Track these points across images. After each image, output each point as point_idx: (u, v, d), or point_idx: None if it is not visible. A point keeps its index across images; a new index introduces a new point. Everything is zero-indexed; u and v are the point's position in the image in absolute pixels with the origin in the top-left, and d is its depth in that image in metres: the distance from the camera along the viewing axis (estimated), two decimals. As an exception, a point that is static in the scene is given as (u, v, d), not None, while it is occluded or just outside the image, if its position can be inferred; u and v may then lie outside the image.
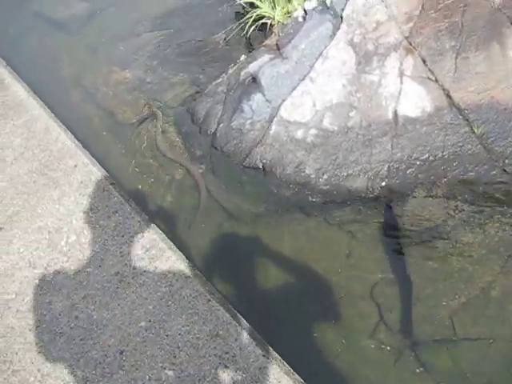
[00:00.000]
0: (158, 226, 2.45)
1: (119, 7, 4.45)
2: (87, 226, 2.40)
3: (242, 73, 3.11)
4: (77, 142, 2.95)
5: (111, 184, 2.59)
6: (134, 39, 3.99)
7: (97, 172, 2.67)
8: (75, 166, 2.70)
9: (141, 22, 4.18)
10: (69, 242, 2.27)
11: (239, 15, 3.76)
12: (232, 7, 3.85)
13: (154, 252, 2.18)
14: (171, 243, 2.33)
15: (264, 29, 3.50)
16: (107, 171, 2.86)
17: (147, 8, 4.33)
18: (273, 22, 3.38)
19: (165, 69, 3.61)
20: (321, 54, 2.99)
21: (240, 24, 3.51)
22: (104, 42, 4.07)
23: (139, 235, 2.32)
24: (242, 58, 3.49)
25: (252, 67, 3.10)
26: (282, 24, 3.28)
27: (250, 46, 3.53)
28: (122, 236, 2.29)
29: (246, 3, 3.43)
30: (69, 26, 4.37)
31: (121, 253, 2.23)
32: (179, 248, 2.38)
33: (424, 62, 2.85)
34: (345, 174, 2.74)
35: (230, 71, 3.24)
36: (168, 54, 3.71)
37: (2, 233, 2.34)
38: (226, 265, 2.50)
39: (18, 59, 4.15)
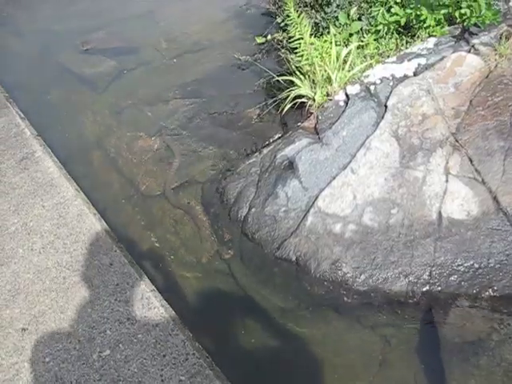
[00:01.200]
0: (203, 347, 2.38)
1: (147, 69, 4.64)
2: (123, 340, 2.33)
3: (278, 155, 3.19)
4: (112, 233, 2.97)
5: (151, 291, 2.57)
6: (161, 105, 4.12)
7: (134, 274, 2.63)
8: (111, 264, 2.70)
9: (170, 87, 4.39)
10: (102, 356, 2.21)
11: (274, 90, 3.88)
12: (267, 81, 3.95)
13: (200, 380, 2.09)
14: (219, 371, 2.25)
15: (300, 108, 3.60)
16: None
17: (177, 73, 4.55)
18: (311, 103, 3.48)
19: (194, 140, 3.71)
20: (363, 143, 3.08)
21: (275, 101, 3.60)
22: (130, 105, 4.21)
23: (183, 357, 2.25)
24: (276, 136, 3.58)
25: (289, 151, 3.19)
26: (322, 106, 3.38)
27: (285, 125, 3.65)
28: (164, 356, 2.23)
29: (283, 80, 3.56)
30: (95, 83, 4.56)
31: (161, 376, 2.16)
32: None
33: (471, 161, 2.93)
34: (384, 275, 2.75)
35: (265, 151, 3.32)
36: (198, 125, 3.83)
37: (26, 335, 2.29)
38: (249, 363, 2.46)
39: (43, 115, 4.30)
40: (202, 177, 3.49)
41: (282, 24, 3.84)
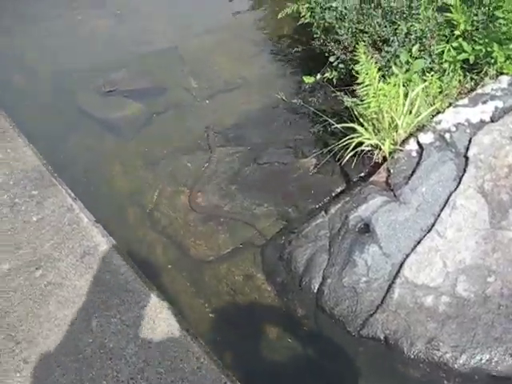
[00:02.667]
0: None
1: (179, 112, 4.62)
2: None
3: (351, 216, 3.10)
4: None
5: (226, 376, 2.48)
6: (201, 154, 4.06)
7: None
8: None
9: (208, 132, 4.32)
10: None
11: (327, 135, 3.83)
12: (322, 127, 3.95)
13: None
14: None
15: (360, 156, 3.56)
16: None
17: (213, 116, 4.53)
18: (376, 152, 3.48)
19: (245, 195, 3.62)
20: (447, 201, 3.01)
21: (331, 149, 3.62)
22: (166, 154, 4.14)
23: None
24: (339, 190, 3.51)
25: (362, 211, 3.10)
26: (392, 157, 3.31)
27: (346, 177, 3.59)
28: None
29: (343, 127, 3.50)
30: (121, 129, 4.51)
31: None
32: None
33: None
34: (487, 355, 2.65)
35: (332, 210, 3.24)
36: (247, 177, 3.75)
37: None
38: None
39: (62, 165, 4.25)
40: (260, 239, 3.39)
41: (336, 63, 3.77)
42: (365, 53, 3.19)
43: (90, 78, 5.18)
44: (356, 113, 3.51)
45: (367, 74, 3.15)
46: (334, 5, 3.57)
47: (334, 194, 3.57)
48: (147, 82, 4.99)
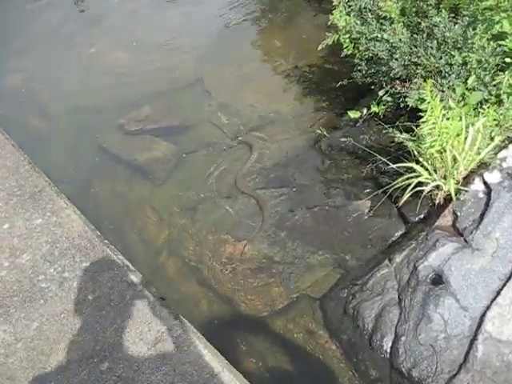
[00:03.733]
0: None
1: (211, 151, 4.67)
2: None
3: (420, 266, 3.05)
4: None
5: None
6: (243, 198, 4.05)
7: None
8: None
9: (245, 173, 4.33)
10: None
11: (378, 174, 3.79)
12: (372, 165, 3.98)
13: None
14: None
15: (415, 195, 3.58)
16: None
17: (249, 155, 4.47)
18: (434, 191, 3.51)
19: (297, 243, 3.59)
20: (525, 247, 2.94)
21: (386, 190, 3.62)
22: (203, 199, 4.13)
23: None
24: (398, 234, 3.46)
25: (433, 260, 3.05)
26: (457, 199, 3.27)
27: (405, 219, 3.53)
28: None
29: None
30: (150, 171, 4.50)
31: None
32: None
33: None
34: None
35: (398, 259, 3.19)
36: (297, 222, 3.71)
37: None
38: None
39: (89, 212, 4.20)
40: (317, 291, 3.35)
41: (386, 97, 3.76)
42: (431, 90, 3.15)
43: (112, 117, 5.20)
44: (412, 150, 3.45)
45: (432, 112, 3.11)
46: (385, 36, 3.54)
47: (393, 239, 3.49)
48: (173, 118, 5.00)
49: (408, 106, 3.75)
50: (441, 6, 3.88)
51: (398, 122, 4.07)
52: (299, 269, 3.50)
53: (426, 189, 3.44)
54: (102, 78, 5.73)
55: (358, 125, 4.40)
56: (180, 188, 4.28)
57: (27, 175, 4.10)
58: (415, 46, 3.56)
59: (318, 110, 4.77)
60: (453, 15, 3.68)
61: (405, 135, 3.72)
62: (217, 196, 4.14)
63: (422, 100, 3.34)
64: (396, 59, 3.52)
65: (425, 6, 3.66)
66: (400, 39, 3.41)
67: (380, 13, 3.73)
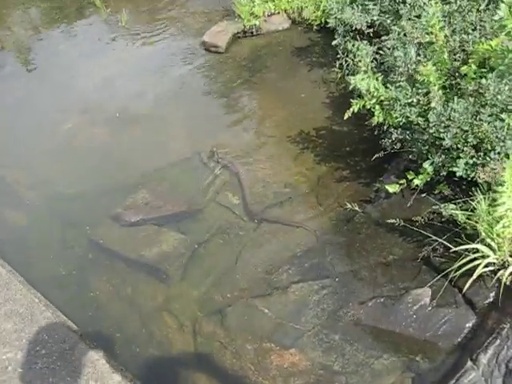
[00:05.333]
0: None
1: (227, 240, 4.41)
2: None
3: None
4: None
5: None
6: (278, 294, 3.91)
7: None
8: None
9: (273, 263, 4.13)
10: None
11: (433, 254, 3.59)
12: (419, 244, 3.86)
13: None
14: None
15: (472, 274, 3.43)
16: None
17: (271, 241, 4.34)
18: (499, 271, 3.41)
19: (356, 347, 3.44)
20: None
21: (447, 274, 3.51)
22: (231, 299, 4.00)
23: None
24: (469, 325, 3.23)
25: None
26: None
27: (472, 306, 3.35)
28: None
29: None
30: (161, 269, 4.22)
31: None
32: None
33: None
34: None
35: (483, 360, 3.02)
36: (351, 321, 3.58)
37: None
38: None
39: (90, 320, 4.01)
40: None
41: (428, 166, 3.62)
42: (504, 168, 2.99)
43: (103, 205, 4.86)
44: (483, 233, 3.26)
45: (509, 196, 2.94)
46: (433, 105, 3.38)
47: (466, 332, 3.25)
48: (176, 203, 4.72)
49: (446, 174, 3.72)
50: (470, 60, 3.75)
51: (436, 191, 3.90)
52: (365, 378, 3.22)
53: (485, 268, 3.38)
54: (84, 158, 5.41)
55: (391, 197, 4.16)
56: (200, 287, 3.96)
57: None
58: (471, 114, 3.38)
59: (338, 180, 4.56)
60: (484, 70, 3.64)
61: (452, 206, 3.52)
62: (246, 294, 3.82)
63: (472, 168, 3.35)
64: (448, 130, 3.32)
65: (465, 67, 3.52)
66: (454, 109, 3.21)
67: (416, 76, 3.53)
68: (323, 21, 6.33)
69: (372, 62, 4.11)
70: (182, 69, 6.54)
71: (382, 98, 3.87)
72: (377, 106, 3.86)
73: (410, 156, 3.94)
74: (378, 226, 4.08)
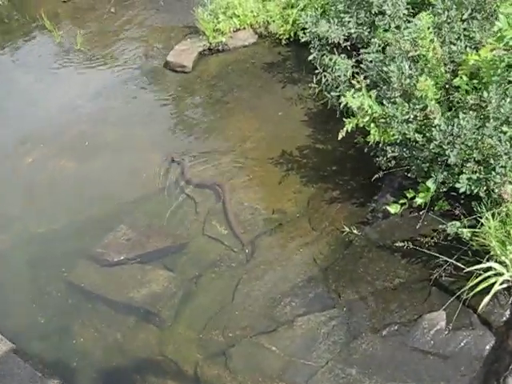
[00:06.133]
0: None
1: (219, 272, 4.28)
2: None
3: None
4: None
5: None
6: (283, 329, 3.80)
7: None
8: None
9: (271, 291, 4.03)
10: None
11: (441, 273, 3.66)
12: (425, 264, 3.86)
13: None
14: None
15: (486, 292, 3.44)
16: None
17: (270, 270, 4.23)
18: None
19: (375, 379, 3.34)
20: None
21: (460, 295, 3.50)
22: (233, 338, 3.82)
23: None
24: (489, 347, 3.25)
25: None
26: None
27: (488, 325, 3.33)
28: None
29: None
30: (152, 311, 4.01)
31: None
32: None
33: None
34: None
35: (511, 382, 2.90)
36: (366, 353, 3.53)
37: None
38: None
39: (73, 373, 3.80)
40: None
41: (432, 184, 3.66)
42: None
43: (79, 244, 4.70)
44: (497, 251, 3.26)
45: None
46: (436, 122, 3.38)
47: (487, 355, 3.23)
48: (160, 237, 4.59)
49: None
50: (459, 72, 3.78)
51: (436, 208, 3.90)
52: None
53: (506, 286, 3.44)
54: (52, 194, 5.23)
55: (388, 216, 4.13)
56: (197, 328, 3.85)
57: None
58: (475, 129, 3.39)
59: (330, 201, 4.53)
60: (476, 81, 3.70)
61: (457, 224, 3.53)
62: (249, 332, 3.72)
63: (476, 184, 3.44)
64: (454, 147, 3.31)
65: (457, 79, 3.53)
66: (461, 125, 3.20)
67: (413, 91, 3.52)
68: (292, 34, 6.29)
69: (353, 76, 4.08)
70: (148, 91, 6.38)
71: (375, 115, 3.79)
72: (372, 124, 3.81)
73: (409, 174, 3.86)
74: (380, 249, 4.03)
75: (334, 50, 5.04)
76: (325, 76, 5.04)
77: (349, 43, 5.15)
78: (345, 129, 3.96)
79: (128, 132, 5.81)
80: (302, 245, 4.33)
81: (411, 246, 3.81)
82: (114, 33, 7.59)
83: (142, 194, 5.08)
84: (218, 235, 4.58)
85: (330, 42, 5.13)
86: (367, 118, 3.93)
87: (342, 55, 4.80)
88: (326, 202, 4.64)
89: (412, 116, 3.72)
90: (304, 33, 5.28)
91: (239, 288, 4.11)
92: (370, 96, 3.84)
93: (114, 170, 5.40)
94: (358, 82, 3.84)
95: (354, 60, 4.80)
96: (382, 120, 3.80)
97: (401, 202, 3.97)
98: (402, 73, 3.77)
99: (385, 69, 3.94)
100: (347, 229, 4.18)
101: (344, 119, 4.03)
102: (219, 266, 4.36)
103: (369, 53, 4.53)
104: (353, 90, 3.95)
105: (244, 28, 6.68)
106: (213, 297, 4.10)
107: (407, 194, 3.96)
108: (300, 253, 4.29)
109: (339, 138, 4.01)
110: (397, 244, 3.90)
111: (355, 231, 4.18)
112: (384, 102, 3.81)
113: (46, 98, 6.60)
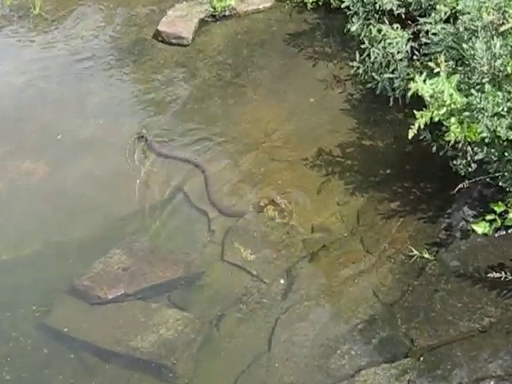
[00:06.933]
0: None
1: (246, 310, 4.26)
2: None
3: None
4: None
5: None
6: None
7: None
8: None
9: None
10: None
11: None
12: None
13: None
14: None
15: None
16: None
17: (314, 306, 4.21)
18: None
19: None
20: None
21: None
22: None
23: None
24: None
25: None
26: None
27: None
28: None
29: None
30: (164, 364, 4.06)
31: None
32: None
33: None
34: None
35: None
36: None
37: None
38: None
39: None
40: None
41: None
42: None
43: (59, 275, 4.65)
44: None
45: None
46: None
47: None
48: (166, 264, 4.55)
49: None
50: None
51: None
52: None
53: None
54: (15, 209, 5.17)
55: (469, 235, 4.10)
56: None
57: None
58: None
59: (386, 216, 4.55)
60: None
61: None
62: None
63: None
64: None
65: None
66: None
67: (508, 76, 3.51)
68: (322, -4, 6.21)
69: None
70: (134, 71, 6.33)
71: (455, 106, 3.77)
72: (452, 119, 3.77)
73: (500, 182, 3.85)
74: (461, 278, 4.06)
75: (384, 18, 5.00)
76: (373, 52, 4.99)
77: (403, 10, 5.10)
78: (416, 125, 3.91)
79: (111, 125, 5.75)
80: (355, 273, 4.31)
81: (502, 275, 3.75)
82: (83, -5, 7.44)
83: (136, 207, 5.03)
84: (242, 261, 4.56)
85: (378, 8, 5.08)
86: (444, 110, 3.88)
87: (395, 25, 4.75)
88: (382, 217, 4.62)
89: (506, 108, 3.67)
90: (344, -5, 5.21)
91: (277, 332, 4.07)
92: (450, 81, 3.78)
93: (96, 174, 5.32)
94: (438, 63, 3.75)
95: (409, 32, 4.75)
96: (467, 113, 3.74)
97: (488, 218, 3.90)
98: (493, 52, 3.71)
99: (465, 46, 3.88)
100: (416, 252, 4.15)
101: (415, 112, 3.96)
102: (246, 302, 4.31)
103: (430, 23, 4.48)
104: (425, 73, 3.88)
105: (257, -13, 6.56)
106: (242, 344, 4.07)
107: (495, 208, 3.90)
108: (354, 284, 4.25)
109: (409, 137, 3.94)
110: (483, 272, 3.88)
111: (426, 255, 4.16)
112: (471, 90, 3.75)
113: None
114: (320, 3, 6.32)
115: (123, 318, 4.29)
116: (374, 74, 4.99)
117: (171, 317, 4.24)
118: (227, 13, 6.54)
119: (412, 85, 3.92)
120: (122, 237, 4.81)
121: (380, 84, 4.90)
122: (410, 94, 4.05)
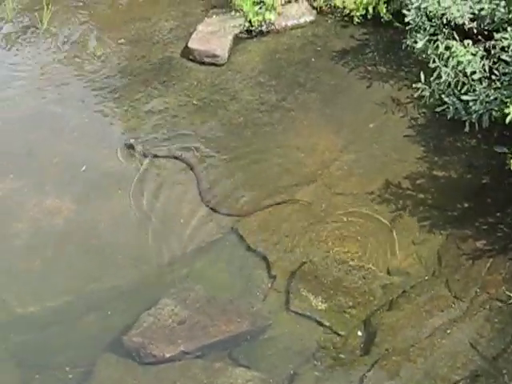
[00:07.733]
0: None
1: (323, 369, 4.16)
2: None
3: None
4: None
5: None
6: None
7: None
8: None
9: None
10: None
11: None
12: None
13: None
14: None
15: None
16: None
17: None
18: None
19: None
20: None
21: None
22: None
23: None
24: None
25: None
26: None
27: None
28: None
29: None
30: None
31: None
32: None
33: None
34: None
35: None
36: None
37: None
38: None
39: None
40: None
41: None
42: None
43: (97, 330, 4.58)
44: None
45: None
46: None
47: None
48: (226, 316, 4.45)
49: None
50: None
51: None
52: None
53: None
54: (40, 252, 5.07)
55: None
56: None
57: None
58: None
59: (472, 256, 4.57)
60: None
61: None
62: None
63: None
64: None
65: None
66: None
67: None
68: (371, 10, 6.20)
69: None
70: (164, 93, 6.25)
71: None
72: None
73: None
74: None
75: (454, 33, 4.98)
76: (445, 73, 4.96)
77: (474, 24, 5.09)
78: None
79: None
80: (446, 322, 4.24)
81: None
82: (99, 6, 7.39)
83: (184, 249, 4.98)
84: (312, 311, 4.49)
85: (447, 22, 5.06)
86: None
87: (466, 41, 4.74)
88: (468, 257, 4.58)
89: None
90: (408, 9, 5.19)
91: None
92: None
93: (132, 212, 5.19)
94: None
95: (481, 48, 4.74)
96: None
97: None
98: None
99: None
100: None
101: (475, 135, 3.98)
102: (321, 358, 4.23)
103: (507, 38, 4.48)
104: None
105: (296, 0, 6.54)
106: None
107: None
108: (447, 335, 4.17)
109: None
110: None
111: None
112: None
113: (11, 100, 6.44)
114: (368, 16, 6.21)
115: (182, 380, 4.14)
116: (443, 96, 4.90)
117: (240, 377, 4.12)
118: (264, 28, 6.50)
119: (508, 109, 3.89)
120: (172, 284, 4.69)
121: (451, 108, 4.81)
122: (508, 119, 3.99)
